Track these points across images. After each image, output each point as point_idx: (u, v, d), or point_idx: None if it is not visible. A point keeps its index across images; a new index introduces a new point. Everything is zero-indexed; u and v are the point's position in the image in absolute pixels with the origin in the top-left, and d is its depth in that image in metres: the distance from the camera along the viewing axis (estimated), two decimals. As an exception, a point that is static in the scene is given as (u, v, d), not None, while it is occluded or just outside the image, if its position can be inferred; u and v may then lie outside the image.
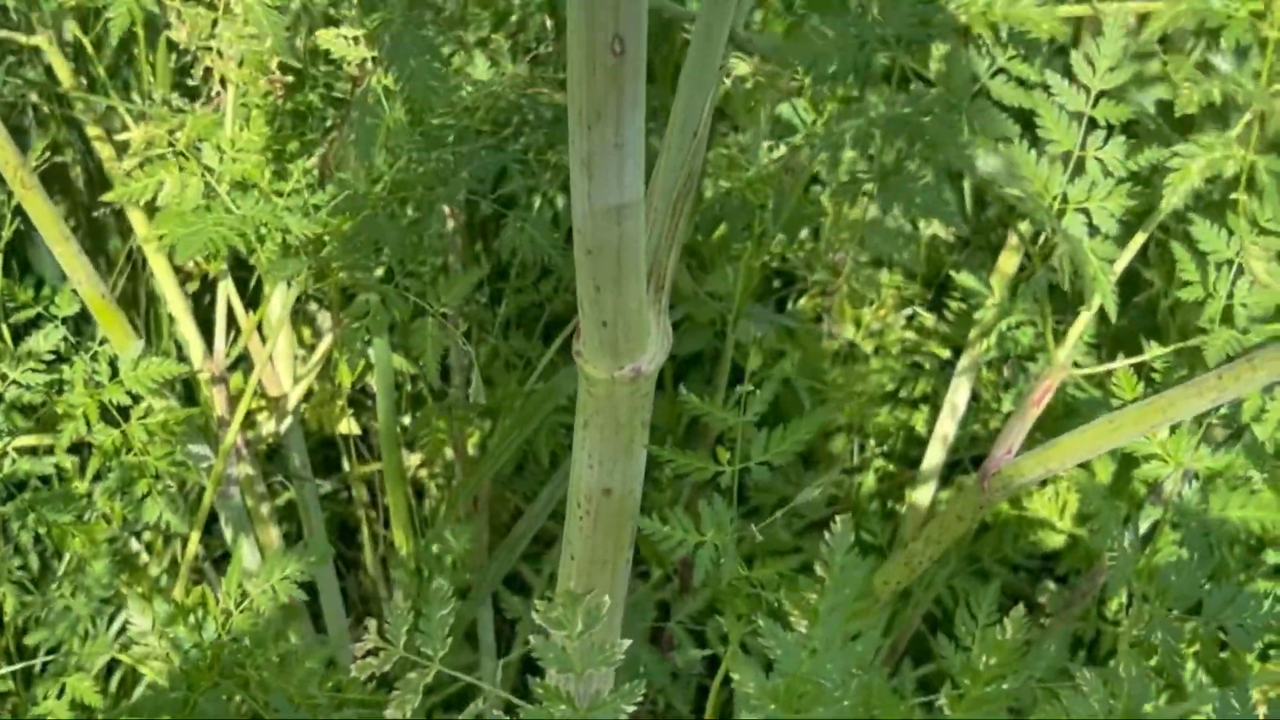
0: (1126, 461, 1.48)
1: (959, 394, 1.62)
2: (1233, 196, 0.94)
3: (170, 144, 1.30)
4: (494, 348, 1.69)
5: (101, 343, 1.34)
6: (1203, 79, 0.89)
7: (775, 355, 1.63)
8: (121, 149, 1.56)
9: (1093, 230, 0.98)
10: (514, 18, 1.55)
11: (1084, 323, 1.03)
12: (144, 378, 1.30)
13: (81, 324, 1.41)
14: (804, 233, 1.78)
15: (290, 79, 1.26)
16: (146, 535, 1.70)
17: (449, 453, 1.75)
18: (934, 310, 1.80)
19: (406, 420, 1.90)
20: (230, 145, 1.27)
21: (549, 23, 1.43)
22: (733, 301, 1.49)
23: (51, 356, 1.30)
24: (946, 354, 1.77)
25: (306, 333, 1.77)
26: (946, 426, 1.63)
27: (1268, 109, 0.88)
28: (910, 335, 1.74)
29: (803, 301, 1.88)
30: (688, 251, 1.73)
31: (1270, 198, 0.91)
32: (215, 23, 1.14)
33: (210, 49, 1.16)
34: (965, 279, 1.46)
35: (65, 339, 1.32)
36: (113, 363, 1.32)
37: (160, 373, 1.30)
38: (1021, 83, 0.94)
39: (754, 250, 1.41)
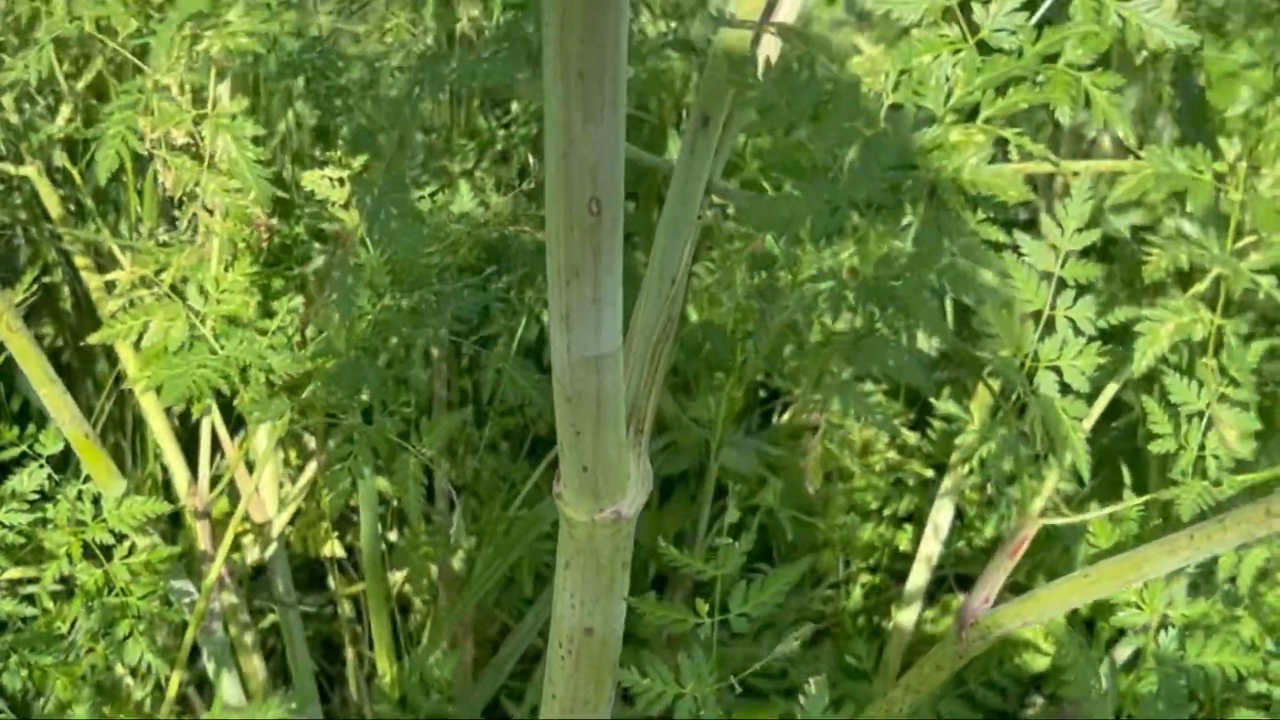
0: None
1: (942, 514, 1.63)
2: (1202, 361, 0.95)
3: (156, 283, 1.31)
4: (477, 471, 1.70)
5: (85, 479, 1.35)
6: (1168, 244, 0.91)
7: (759, 481, 1.64)
8: (109, 285, 1.57)
9: (1064, 388, 1.00)
10: (498, 147, 1.57)
11: (1057, 476, 1.04)
12: (127, 517, 1.30)
13: (68, 453, 1.42)
14: (787, 349, 1.80)
15: (274, 221, 1.27)
16: (130, 659, 1.69)
17: (434, 569, 1.75)
18: (917, 428, 1.81)
19: (393, 536, 1.91)
20: (215, 286, 1.29)
21: (532, 159, 1.46)
22: (716, 427, 1.50)
23: (35, 497, 1.31)
24: (930, 473, 1.78)
25: (293, 453, 1.78)
26: (930, 547, 1.64)
27: (1233, 273, 0.90)
28: (893, 455, 1.75)
29: (787, 415, 1.90)
30: (672, 372, 1.74)
31: (1238, 360, 0.93)
32: (201, 174, 1.15)
33: (195, 196, 1.18)
34: (946, 405, 1.47)
35: (50, 477, 1.32)
36: (96, 500, 1.32)
37: (143, 512, 1.30)
38: (991, 244, 0.95)
39: (735, 381, 1.43)
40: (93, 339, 1.28)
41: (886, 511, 1.79)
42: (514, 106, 1.51)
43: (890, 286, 0.93)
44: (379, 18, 1.16)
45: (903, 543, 1.79)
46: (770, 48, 1.11)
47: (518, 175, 1.44)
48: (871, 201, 0.95)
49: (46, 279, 1.86)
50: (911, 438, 1.78)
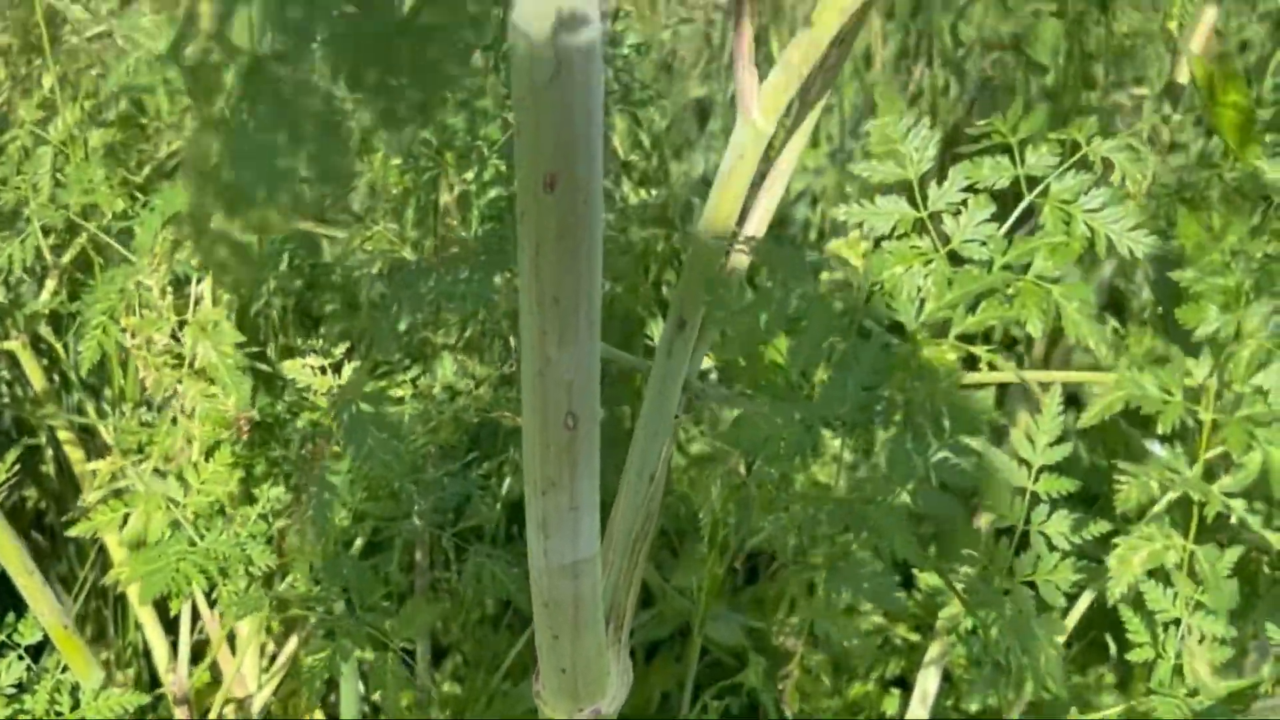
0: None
1: (929, 681, 1.62)
2: (1172, 590, 0.96)
3: (137, 471, 1.32)
4: (459, 639, 1.69)
5: (63, 669, 1.34)
6: (1139, 471, 0.92)
7: (743, 651, 1.63)
8: (92, 453, 1.58)
9: (1040, 604, 1.00)
10: (481, 318, 1.58)
11: (1033, 688, 1.04)
12: (104, 709, 1.29)
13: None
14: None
15: (254, 412, 1.28)
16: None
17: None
18: (903, 588, 1.80)
19: (376, 696, 1.89)
20: (195, 476, 1.29)
21: (513, 341, 1.46)
22: (699, 602, 1.50)
23: (13, 690, 1.30)
24: (916, 638, 1.77)
25: (275, 623, 1.77)
26: (918, 713, 1.63)
27: (1204, 497, 0.90)
28: (878, 619, 1.75)
29: (774, 567, 1.89)
30: (658, 533, 1.74)
31: (1210, 586, 0.93)
32: (181, 378, 1.16)
33: (175, 397, 1.18)
34: (928, 578, 1.47)
35: (29, 668, 1.32)
36: (75, 690, 1.32)
37: (121, 704, 1.30)
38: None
39: (716, 557, 1.42)
40: (73, 532, 1.28)
41: (873, 675, 1.77)
42: (497, 280, 1.52)
43: (863, 509, 0.93)
44: (361, 224, 1.18)
45: (890, 708, 1.78)
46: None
47: (500, 357, 1.45)
48: (845, 420, 0.96)
49: (31, 440, 1.86)
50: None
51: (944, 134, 2.26)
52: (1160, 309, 1.68)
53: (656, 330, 1.58)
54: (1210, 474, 0.97)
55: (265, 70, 0.59)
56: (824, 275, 1.35)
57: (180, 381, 1.14)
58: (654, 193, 1.67)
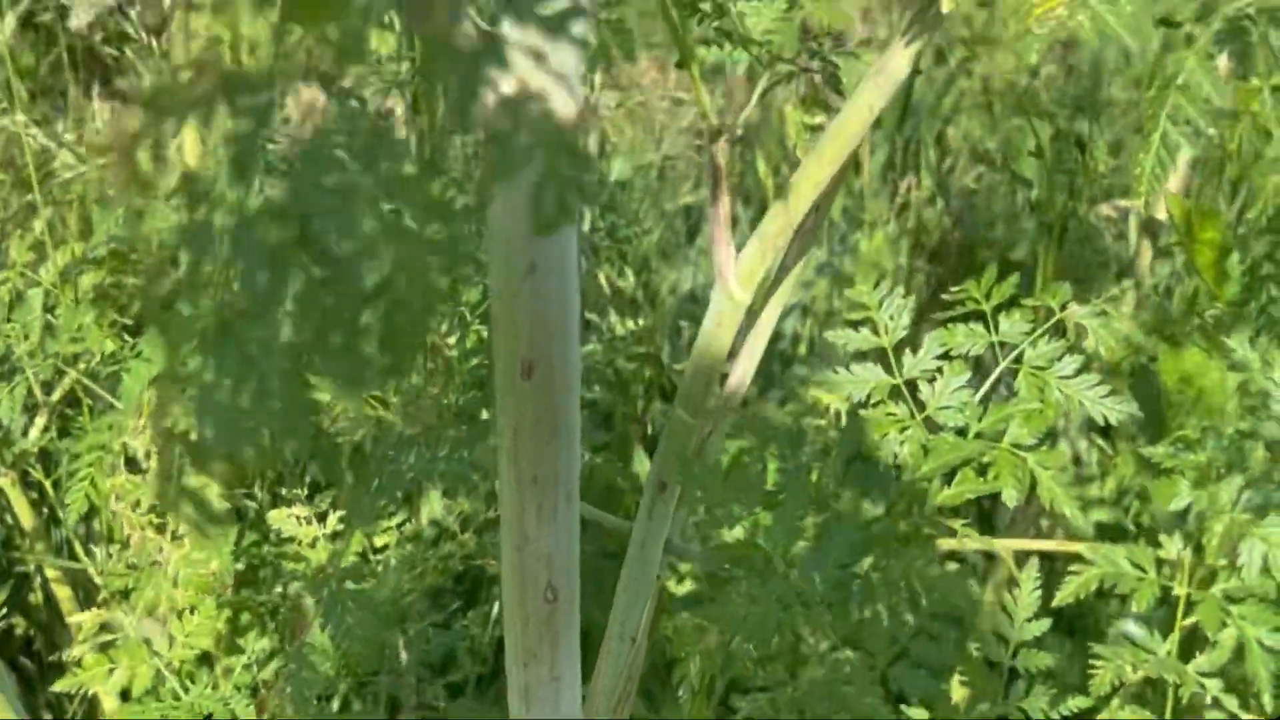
0: None
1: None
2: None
3: (124, 610, 1.32)
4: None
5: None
6: (1113, 654, 0.92)
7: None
8: (79, 589, 1.58)
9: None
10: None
11: None
12: None
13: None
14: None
15: (242, 567, 1.28)
16: None
17: None
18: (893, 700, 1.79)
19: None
20: (179, 629, 1.29)
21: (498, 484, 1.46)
22: (687, 738, 1.50)
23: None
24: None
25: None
26: (909, 847, 1.62)
27: (1179, 678, 0.91)
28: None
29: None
30: (649, 666, 1.74)
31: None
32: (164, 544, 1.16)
33: (158, 564, 1.19)
34: (914, 713, 1.46)
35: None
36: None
37: None
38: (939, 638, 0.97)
39: (702, 702, 1.42)
40: (56, 687, 1.28)
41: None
42: (483, 414, 1.53)
43: (842, 691, 0.93)
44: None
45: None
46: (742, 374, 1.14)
47: (485, 498, 1.45)
48: (822, 599, 0.96)
49: (19, 568, 1.86)
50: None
51: (929, 249, 2.27)
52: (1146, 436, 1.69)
53: (643, 468, 1.59)
54: (1188, 647, 0.97)
55: (231, 330, 0.60)
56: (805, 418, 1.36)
57: (164, 545, 1.15)
58: (640, 322, 1.68)
